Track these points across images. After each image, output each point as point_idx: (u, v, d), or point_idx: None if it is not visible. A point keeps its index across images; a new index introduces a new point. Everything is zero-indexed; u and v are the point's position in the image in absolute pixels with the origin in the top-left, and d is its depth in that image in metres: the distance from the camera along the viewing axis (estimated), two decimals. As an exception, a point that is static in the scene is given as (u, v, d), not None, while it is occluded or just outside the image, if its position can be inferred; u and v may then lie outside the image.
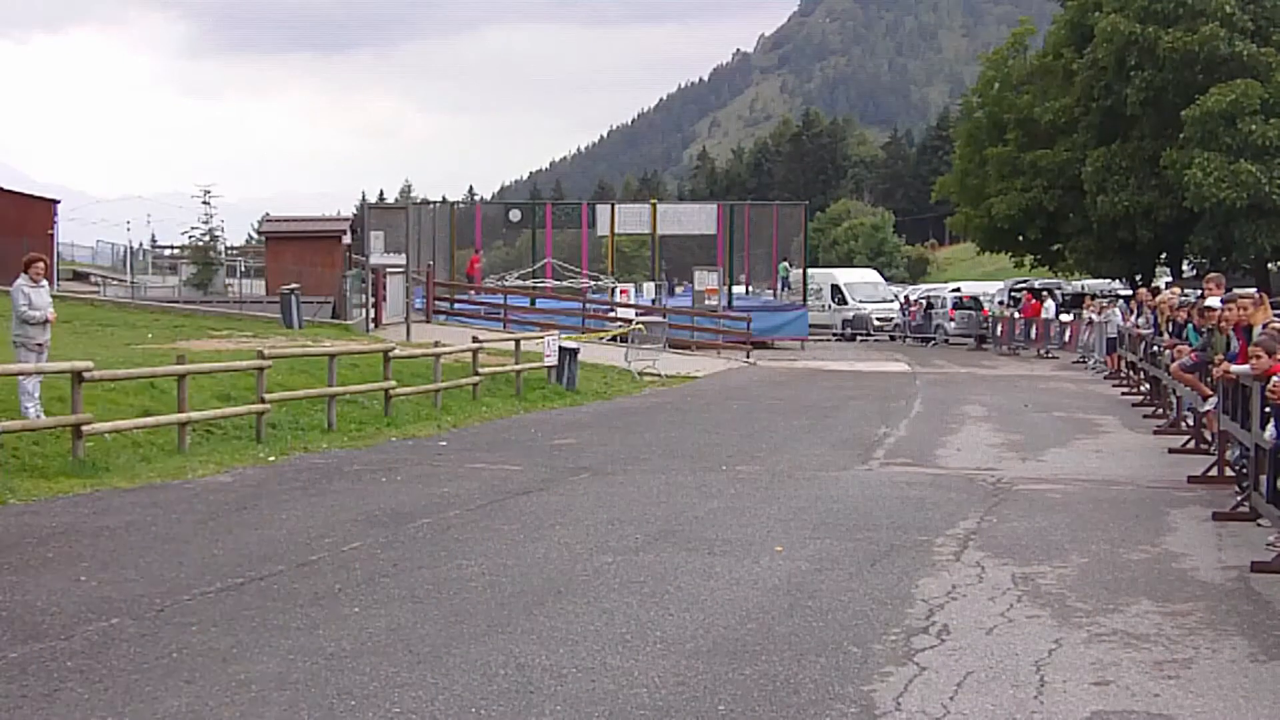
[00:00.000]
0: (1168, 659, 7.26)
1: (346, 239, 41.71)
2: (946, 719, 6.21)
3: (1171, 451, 16.61)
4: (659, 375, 28.92)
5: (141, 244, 62.97)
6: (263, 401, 16.73)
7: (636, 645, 7.36)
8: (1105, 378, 29.71)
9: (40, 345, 15.35)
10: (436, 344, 22.88)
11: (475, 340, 23.87)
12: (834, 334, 51.48)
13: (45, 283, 15.76)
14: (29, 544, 10.04)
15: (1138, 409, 22.45)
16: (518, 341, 25.90)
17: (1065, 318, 41.58)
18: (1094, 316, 35.03)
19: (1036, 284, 48.61)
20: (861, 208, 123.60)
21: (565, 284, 44.40)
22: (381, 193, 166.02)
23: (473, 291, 41.70)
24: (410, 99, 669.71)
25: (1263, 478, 10.74)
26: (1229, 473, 13.48)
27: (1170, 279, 42.69)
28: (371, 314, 34.20)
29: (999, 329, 44.06)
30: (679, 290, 52.30)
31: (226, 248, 47.28)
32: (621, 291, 44.12)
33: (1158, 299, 23.22)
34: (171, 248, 57.54)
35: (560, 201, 77.97)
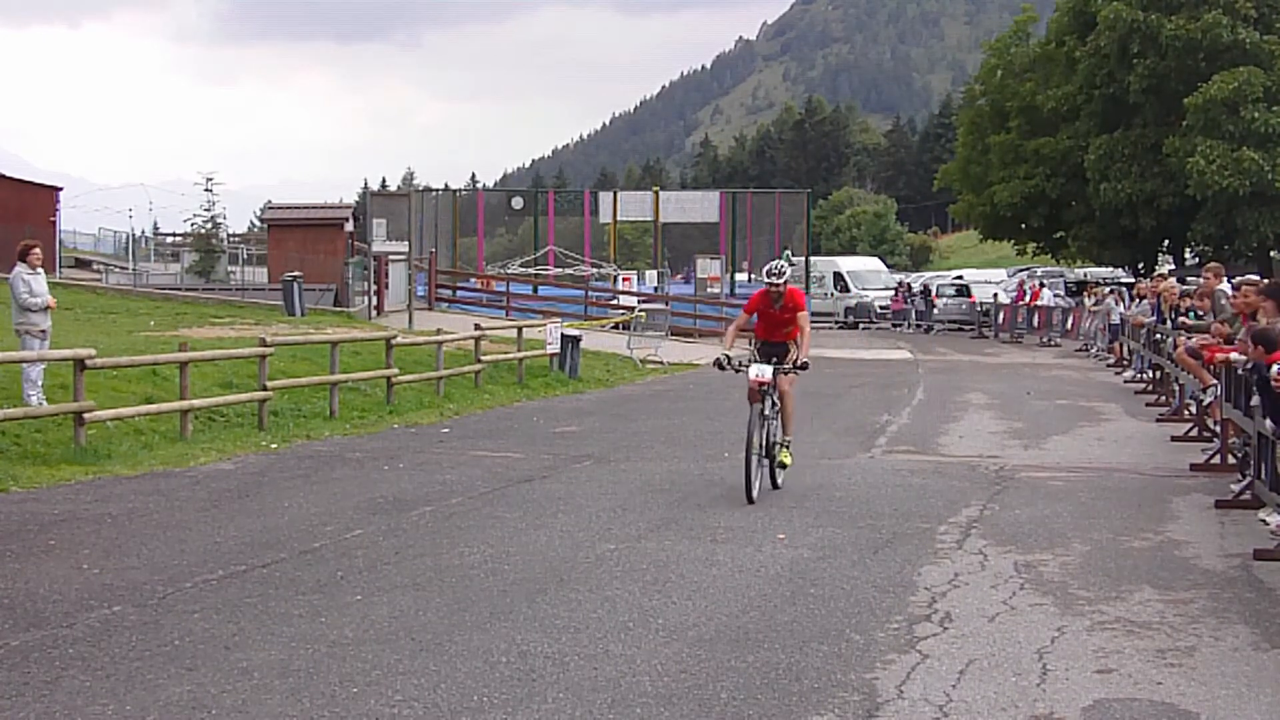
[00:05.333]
0: (1170, 647, 7.25)
1: (349, 226, 41.60)
2: (949, 707, 6.20)
3: (1174, 439, 16.58)
4: (661, 363, 28.91)
5: (144, 231, 62.70)
6: (265, 389, 16.72)
7: (639, 633, 7.35)
8: (1108, 365, 29.69)
9: (43, 332, 15.37)
10: (439, 331, 22.88)
11: (478, 328, 23.90)
12: (836, 322, 51.47)
13: (42, 270, 15.76)
14: (31, 531, 10.04)
15: (1140, 396, 22.42)
16: (520, 329, 25.91)
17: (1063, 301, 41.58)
18: (1093, 305, 35.02)
19: (1039, 271, 48.58)
20: (864, 195, 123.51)
21: (568, 272, 44.37)
22: (384, 180, 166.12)
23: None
24: (423, 87, 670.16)
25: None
26: (1232, 460, 13.47)
27: (1172, 267, 42.67)
28: (374, 301, 34.21)
29: (1001, 316, 44.01)
30: (678, 278, 52.24)
31: (229, 235, 47.13)
32: (624, 279, 44.09)
33: (1160, 287, 23.21)
34: (174, 235, 57.45)
35: (563, 189, 77.93)
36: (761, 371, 11.89)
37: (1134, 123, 41.84)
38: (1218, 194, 38.23)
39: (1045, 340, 40.16)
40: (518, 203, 49.30)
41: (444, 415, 18.89)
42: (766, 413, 11.93)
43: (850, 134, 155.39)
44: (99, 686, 6.32)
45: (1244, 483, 11.84)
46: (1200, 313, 17.99)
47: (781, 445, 12.33)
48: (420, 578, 8.65)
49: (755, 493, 11.53)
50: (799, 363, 12.16)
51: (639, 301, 37.28)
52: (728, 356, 12.17)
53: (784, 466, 12.39)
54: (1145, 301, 25.71)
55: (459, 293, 40.92)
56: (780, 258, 48.16)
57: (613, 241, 47.89)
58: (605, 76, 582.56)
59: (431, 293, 38.06)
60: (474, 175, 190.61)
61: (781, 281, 12.07)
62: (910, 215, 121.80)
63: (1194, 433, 16.43)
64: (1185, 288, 22.27)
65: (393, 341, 20.42)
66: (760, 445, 11.78)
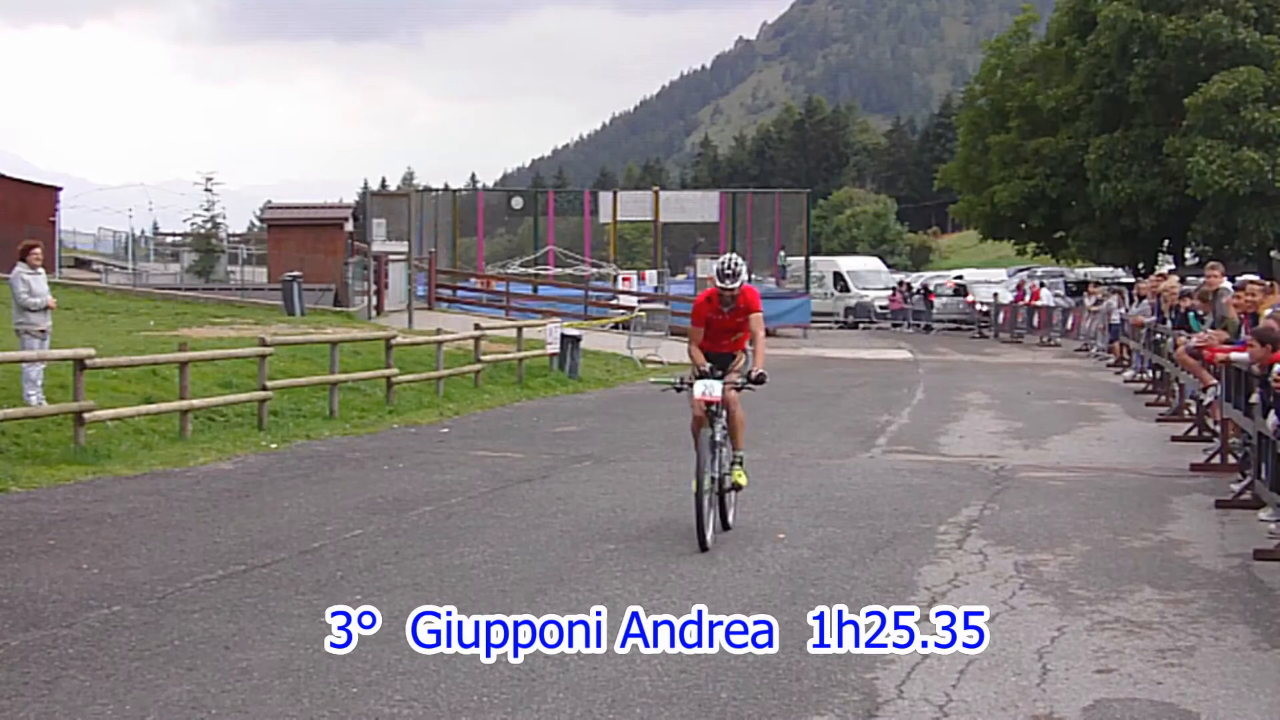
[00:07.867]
0: (1170, 647, 7.25)
1: (349, 226, 41.58)
2: (949, 707, 6.20)
3: (1174, 439, 16.58)
4: (661, 363, 28.90)
5: (143, 231, 62.63)
6: (265, 389, 16.72)
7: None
8: (1108, 365, 29.68)
9: (43, 332, 15.37)
10: (438, 331, 22.87)
11: (477, 327, 23.89)
12: (837, 321, 51.49)
13: (42, 270, 15.75)
14: (31, 531, 10.04)
15: (1140, 396, 22.42)
16: (520, 329, 25.90)
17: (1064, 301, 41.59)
18: (1093, 305, 35.00)
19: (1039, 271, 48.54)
20: (864, 195, 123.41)
21: (568, 272, 44.35)
22: (384, 180, 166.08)
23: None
24: (423, 87, 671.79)
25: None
26: (1232, 460, 13.46)
27: (1173, 267, 42.67)
28: (374, 301, 34.19)
29: (1001, 316, 44.01)
30: (681, 277, 52.22)
31: (228, 235, 47.06)
32: (624, 279, 44.07)
33: (1161, 287, 23.20)
34: (173, 235, 57.36)
35: (563, 189, 77.88)
36: (709, 388, 9.75)
37: (1134, 123, 41.83)
38: (1218, 194, 38.22)
39: (1045, 340, 40.14)
40: (518, 203, 49.27)
41: (444, 415, 18.88)
42: (718, 438, 9.82)
43: (850, 134, 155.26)
44: (99, 686, 6.32)
45: (1244, 483, 11.84)
46: (1200, 313, 17.98)
47: (734, 464, 10.21)
48: (420, 578, 8.65)
49: (710, 538, 9.52)
50: (754, 375, 9.92)
51: (639, 301, 37.24)
52: (681, 379, 10.17)
53: (739, 489, 10.34)
54: (1145, 301, 25.71)
55: (459, 293, 40.87)
56: (778, 258, 48.44)
57: (613, 241, 47.84)
58: (605, 76, 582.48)
59: (431, 293, 38.02)
60: (474, 175, 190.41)
61: (735, 286, 9.88)
62: (910, 215, 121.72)
63: (1194, 433, 16.42)
64: (1185, 288, 22.25)
65: (392, 341, 20.41)
66: (714, 481, 9.77)
